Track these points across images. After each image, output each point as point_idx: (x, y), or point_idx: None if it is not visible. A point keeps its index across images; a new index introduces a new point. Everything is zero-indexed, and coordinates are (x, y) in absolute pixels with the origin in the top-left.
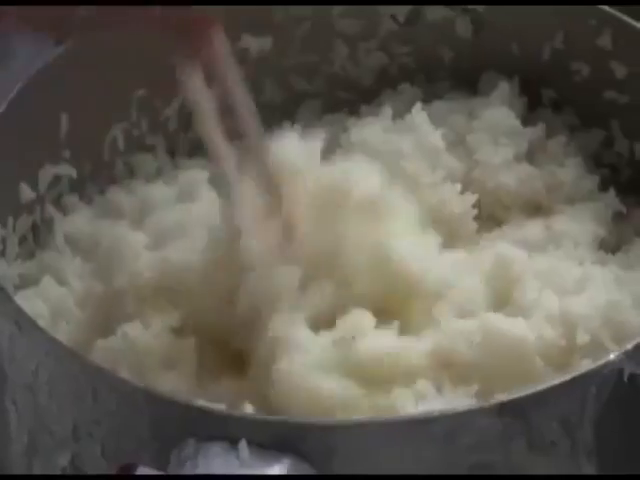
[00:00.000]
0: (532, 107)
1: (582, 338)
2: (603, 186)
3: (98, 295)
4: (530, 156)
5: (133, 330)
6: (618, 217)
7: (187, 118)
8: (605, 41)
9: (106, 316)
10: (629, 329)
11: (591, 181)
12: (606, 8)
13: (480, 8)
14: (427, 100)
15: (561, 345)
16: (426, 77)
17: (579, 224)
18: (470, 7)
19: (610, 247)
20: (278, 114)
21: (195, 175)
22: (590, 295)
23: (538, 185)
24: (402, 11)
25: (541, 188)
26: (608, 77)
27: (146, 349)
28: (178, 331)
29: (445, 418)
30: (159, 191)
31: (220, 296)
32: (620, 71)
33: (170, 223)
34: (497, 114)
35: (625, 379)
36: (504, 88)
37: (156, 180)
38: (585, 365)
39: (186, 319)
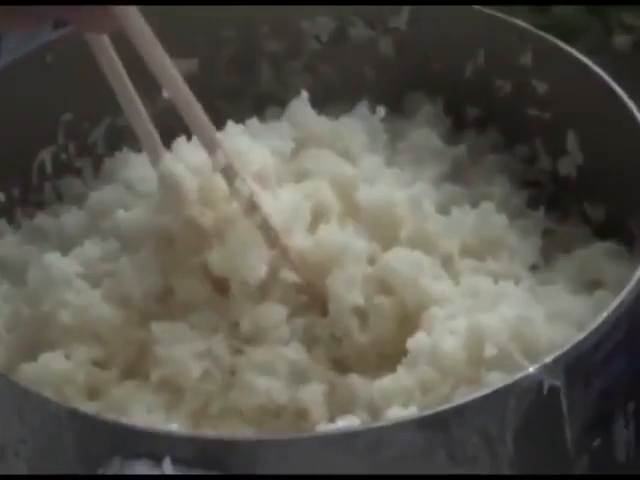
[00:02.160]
0: (457, 126)
1: (490, 351)
2: (529, 203)
3: (25, 319)
4: (456, 176)
5: (54, 359)
6: (544, 233)
7: (115, 140)
8: (526, 58)
9: (31, 341)
10: (540, 343)
11: (519, 198)
12: (527, 25)
13: (402, 27)
14: None
15: (468, 358)
16: (350, 97)
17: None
18: (392, 26)
19: (536, 263)
20: None
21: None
22: (502, 310)
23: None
24: (325, 31)
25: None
26: (530, 94)
27: (66, 378)
28: (101, 363)
29: (367, 432)
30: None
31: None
32: (541, 88)
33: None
34: (420, 135)
35: (545, 392)
36: (427, 108)
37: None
38: (495, 378)
39: (109, 353)
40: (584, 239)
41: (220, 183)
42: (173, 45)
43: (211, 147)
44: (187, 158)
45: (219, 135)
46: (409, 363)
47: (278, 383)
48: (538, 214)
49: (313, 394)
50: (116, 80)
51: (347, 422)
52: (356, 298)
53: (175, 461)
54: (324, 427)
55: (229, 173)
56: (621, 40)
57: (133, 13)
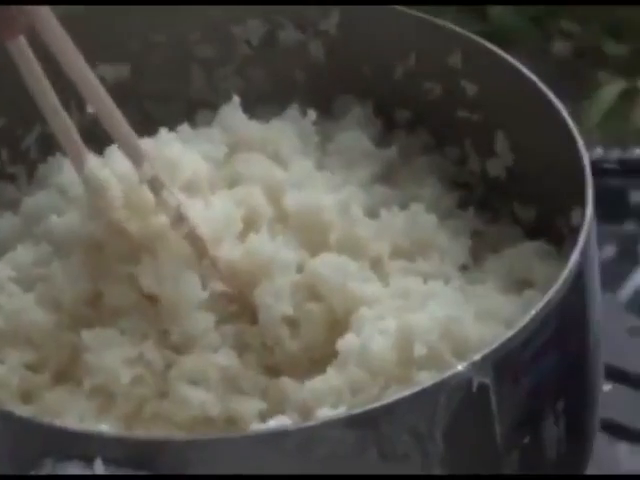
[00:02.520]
0: (387, 128)
1: (419, 350)
2: (460, 204)
3: None
4: (387, 178)
5: None
6: (474, 234)
7: (48, 146)
8: (455, 60)
9: None
10: (470, 342)
11: (449, 199)
12: (455, 27)
13: (332, 30)
14: None
15: (398, 358)
16: (281, 101)
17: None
18: (322, 29)
19: (466, 263)
20: None
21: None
22: (431, 309)
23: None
24: (256, 35)
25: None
26: (459, 96)
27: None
28: (34, 367)
29: (298, 432)
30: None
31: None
32: (471, 89)
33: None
34: (350, 137)
35: (474, 390)
36: (357, 110)
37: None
38: (425, 377)
39: (42, 357)
40: (514, 239)
41: (147, 194)
42: (103, 50)
43: (136, 158)
44: (115, 164)
45: (145, 145)
46: (339, 364)
47: (211, 396)
48: (468, 215)
49: (247, 406)
50: (34, 84)
51: (278, 422)
52: (285, 308)
53: (106, 462)
54: (255, 427)
55: (155, 185)
56: (560, 46)
57: (47, 17)
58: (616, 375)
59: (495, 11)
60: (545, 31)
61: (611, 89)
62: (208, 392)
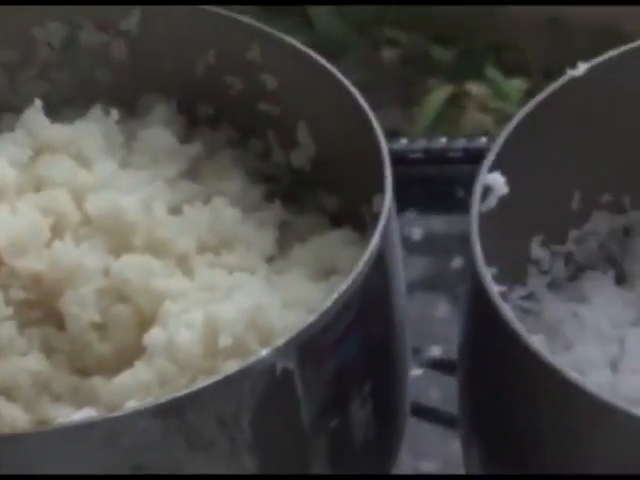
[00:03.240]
0: (192, 124)
1: (225, 341)
2: (267, 197)
3: None
4: (193, 174)
5: None
6: (281, 226)
7: None
8: (254, 54)
9: None
10: (276, 330)
11: (255, 192)
12: (253, 22)
13: (134, 29)
14: None
15: (204, 349)
16: (86, 102)
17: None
18: (124, 29)
19: (273, 254)
20: None
21: None
22: (236, 300)
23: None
24: (57, 37)
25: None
26: (260, 89)
27: None
28: None
29: (104, 423)
30: None
31: None
32: (271, 83)
33: None
34: (154, 134)
35: (278, 374)
36: (161, 108)
37: None
38: (232, 366)
39: None
40: (320, 229)
41: None
42: None
43: None
44: None
45: None
46: (146, 359)
47: (20, 410)
48: (275, 207)
49: (59, 411)
50: None
51: (84, 414)
52: (91, 315)
53: None
54: (60, 420)
55: None
56: (388, 54)
57: None
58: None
59: (320, 21)
60: (372, 40)
61: (439, 94)
62: (18, 402)
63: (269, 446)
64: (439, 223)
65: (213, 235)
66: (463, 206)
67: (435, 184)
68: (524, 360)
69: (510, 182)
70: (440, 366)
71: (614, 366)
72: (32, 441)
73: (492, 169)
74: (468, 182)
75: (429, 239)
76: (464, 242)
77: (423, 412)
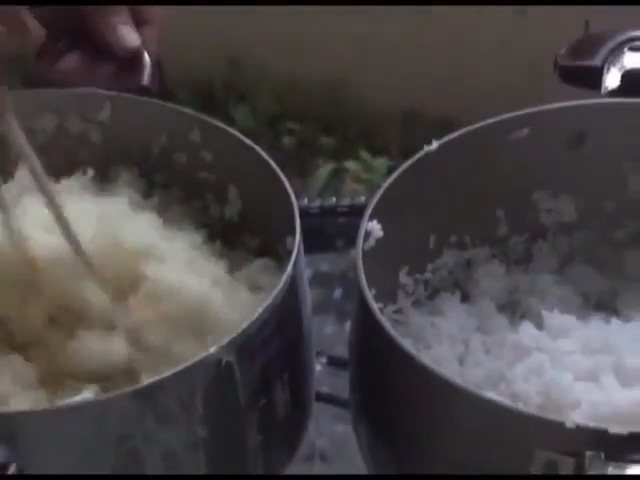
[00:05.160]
0: (150, 187)
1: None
2: (209, 238)
3: None
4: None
5: None
6: (220, 257)
7: None
8: (195, 136)
9: None
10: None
11: (199, 236)
12: (195, 112)
13: (106, 120)
14: None
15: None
16: (71, 170)
17: None
18: (99, 119)
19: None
20: None
21: None
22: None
23: None
24: (51, 125)
25: None
26: (200, 162)
27: None
28: None
29: (96, 403)
30: None
31: None
32: (208, 157)
33: None
34: (122, 193)
35: (222, 366)
36: (126, 175)
37: None
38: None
39: None
40: (248, 260)
41: None
42: None
43: None
44: None
45: None
46: None
47: None
48: (216, 245)
49: None
50: None
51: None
52: None
53: None
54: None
55: None
56: (287, 140)
57: None
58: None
59: (239, 116)
60: (276, 130)
61: (325, 170)
62: None
63: (216, 419)
64: (325, 264)
65: None
66: (342, 251)
67: (323, 234)
68: (397, 357)
69: (384, 228)
70: (335, 363)
71: (461, 361)
72: (43, 415)
73: (371, 219)
74: (347, 234)
75: (317, 275)
76: (343, 278)
77: (324, 397)
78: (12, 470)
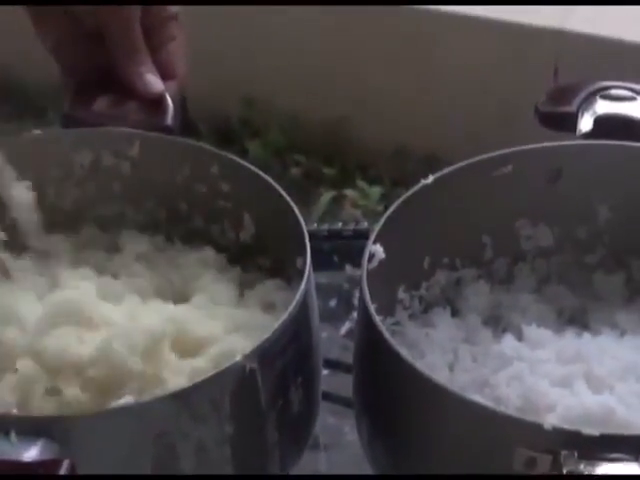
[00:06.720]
0: (170, 219)
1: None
2: (230, 262)
3: None
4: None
5: None
6: (240, 280)
7: None
8: (214, 169)
9: None
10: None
11: (221, 258)
12: (214, 149)
13: (135, 155)
14: None
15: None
16: (105, 203)
17: None
18: (129, 155)
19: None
20: None
21: None
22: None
23: None
24: (87, 160)
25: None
26: (219, 192)
27: None
28: None
29: (137, 406)
30: None
31: None
32: (226, 187)
33: None
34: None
35: (247, 372)
36: (149, 206)
37: None
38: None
39: None
40: (261, 280)
41: None
42: None
43: None
44: None
45: None
46: None
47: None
48: (236, 269)
49: None
50: None
51: (124, 400)
52: None
53: (16, 433)
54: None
55: None
56: (294, 171)
57: None
58: (332, 364)
59: (252, 149)
60: (283, 162)
61: (326, 197)
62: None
63: (241, 418)
64: (323, 278)
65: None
66: (338, 268)
67: (323, 253)
68: (395, 363)
69: (386, 251)
70: (331, 365)
71: (451, 368)
72: (95, 418)
73: (375, 242)
74: (343, 252)
75: (316, 288)
76: (339, 290)
77: (328, 396)
78: (65, 465)
